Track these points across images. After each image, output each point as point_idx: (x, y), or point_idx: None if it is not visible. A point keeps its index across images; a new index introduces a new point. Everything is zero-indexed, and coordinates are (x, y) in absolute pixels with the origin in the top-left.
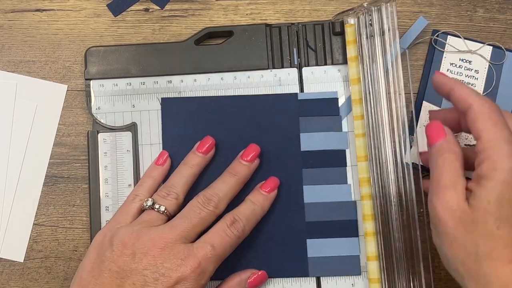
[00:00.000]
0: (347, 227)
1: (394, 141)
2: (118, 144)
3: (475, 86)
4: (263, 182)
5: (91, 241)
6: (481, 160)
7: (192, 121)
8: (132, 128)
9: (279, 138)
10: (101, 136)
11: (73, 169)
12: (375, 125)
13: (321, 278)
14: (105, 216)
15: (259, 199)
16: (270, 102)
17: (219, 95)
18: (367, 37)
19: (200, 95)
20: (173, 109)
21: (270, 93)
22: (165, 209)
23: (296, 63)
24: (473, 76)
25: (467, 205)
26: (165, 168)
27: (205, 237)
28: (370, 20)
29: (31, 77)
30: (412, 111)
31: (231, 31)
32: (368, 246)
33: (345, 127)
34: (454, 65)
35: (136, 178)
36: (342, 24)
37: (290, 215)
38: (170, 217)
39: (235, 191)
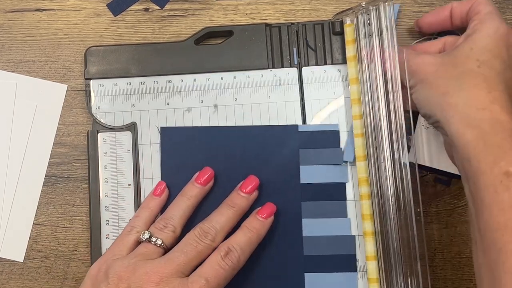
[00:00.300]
0: (346, 262)
1: (392, 141)
2: (118, 143)
3: None
4: (260, 208)
5: (91, 241)
6: (473, 25)
7: (191, 151)
8: (132, 127)
9: (279, 170)
10: (101, 136)
11: (73, 169)
12: (374, 125)
13: None
14: (105, 216)
15: (256, 226)
16: (270, 133)
17: (219, 95)
18: (365, 37)
19: (200, 95)
20: (173, 139)
21: (270, 93)
22: (162, 242)
23: (296, 62)
24: None
25: (446, 54)
26: (162, 199)
27: (200, 271)
28: (369, 19)
29: (31, 77)
30: (409, 111)
31: (231, 31)
32: (367, 246)
33: (344, 128)
34: None
35: (136, 178)
36: (342, 24)
37: (288, 249)
38: (167, 250)
39: (232, 224)
